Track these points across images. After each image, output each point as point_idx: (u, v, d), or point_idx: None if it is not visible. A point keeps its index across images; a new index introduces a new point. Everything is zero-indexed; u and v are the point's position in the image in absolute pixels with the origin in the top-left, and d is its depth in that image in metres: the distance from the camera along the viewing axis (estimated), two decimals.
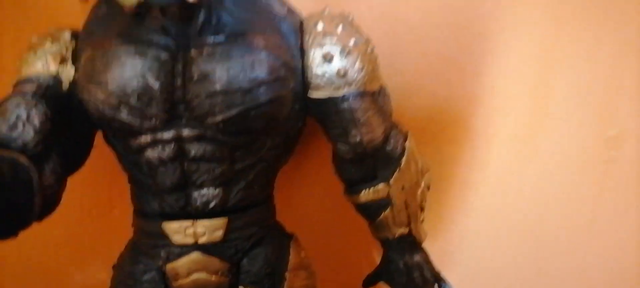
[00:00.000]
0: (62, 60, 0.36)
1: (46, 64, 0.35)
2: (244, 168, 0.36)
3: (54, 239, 0.55)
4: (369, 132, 0.38)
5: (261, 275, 0.37)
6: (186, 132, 0.33)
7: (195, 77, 0.32)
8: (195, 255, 0.36)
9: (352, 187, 0.42)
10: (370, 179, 0.41)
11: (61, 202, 0.38)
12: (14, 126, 0.33)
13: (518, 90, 0.54)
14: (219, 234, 0.36)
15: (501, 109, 0.54)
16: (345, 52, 0.36)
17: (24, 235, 0.52)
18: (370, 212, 0.42)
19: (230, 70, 0.32)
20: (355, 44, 0.37)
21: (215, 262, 0.36)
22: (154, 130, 0.33)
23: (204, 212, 0.36)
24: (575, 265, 0.58)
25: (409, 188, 0.41)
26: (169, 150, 0.34)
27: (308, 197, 0.54)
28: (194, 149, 0.34)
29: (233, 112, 0.32)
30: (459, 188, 0.56)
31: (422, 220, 0.44)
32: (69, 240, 0.55)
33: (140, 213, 0.38)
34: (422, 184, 0.43)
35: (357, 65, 0.37)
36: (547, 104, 0.54)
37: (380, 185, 0.41)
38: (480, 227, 0.57)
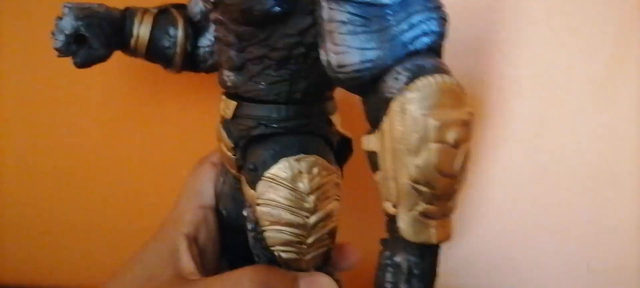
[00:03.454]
0: None
1: None
2: (252, 59, 0.36)
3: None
4: (340, 52, 0.29)
5: (248, 168, 0.37)
6: (213, 15, 0.39)
7: None
8: (221, 124, 0.40)
9: None
10: (374, 125, 0.31)
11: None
12: (191, 0, 0.47)
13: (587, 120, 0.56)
14: (229, 113, 0.39)
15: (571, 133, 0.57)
16: None
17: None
18: (372, 168, 0.32)
19: None
20: None
21: (225, 136, 0.39)
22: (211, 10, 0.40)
23: (225, 90, 0.40)
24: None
25: (396, 155, 0.29)
26: (214, 29, 0.41)
27: None
28: (218, 31, 0.39)
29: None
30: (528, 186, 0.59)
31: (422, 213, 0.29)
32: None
33: None
34: (421, 161, 0.28)
35: None
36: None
37: (372, 135, 0.31)
38: (543, 235, 0.59)
